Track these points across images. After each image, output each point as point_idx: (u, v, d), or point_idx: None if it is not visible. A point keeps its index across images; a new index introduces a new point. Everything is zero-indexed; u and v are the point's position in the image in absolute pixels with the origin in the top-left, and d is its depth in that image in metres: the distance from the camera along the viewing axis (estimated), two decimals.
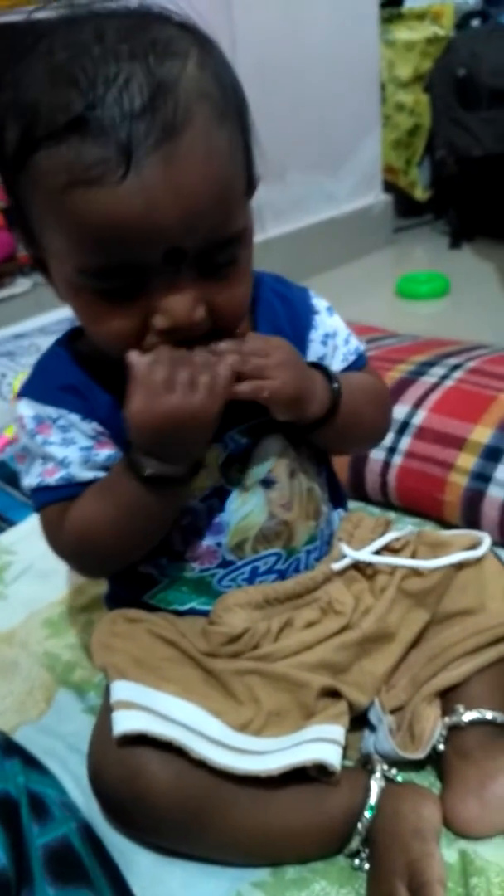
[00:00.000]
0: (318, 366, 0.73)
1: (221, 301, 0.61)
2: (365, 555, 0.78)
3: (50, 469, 0.69)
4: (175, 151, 0.53)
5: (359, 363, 0.79)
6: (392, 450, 1.11)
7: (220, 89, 0.57)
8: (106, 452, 0.69)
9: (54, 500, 0.69)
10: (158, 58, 0.54)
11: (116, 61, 0.53)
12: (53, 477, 0.68)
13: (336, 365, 0.77)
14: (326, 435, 0.73)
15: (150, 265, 0.56)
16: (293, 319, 0.75)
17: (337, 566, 0.77)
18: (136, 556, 0.72)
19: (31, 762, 0.71)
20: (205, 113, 0.55)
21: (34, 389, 0.70)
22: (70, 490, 0.69)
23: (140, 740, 0.63)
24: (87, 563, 0.75)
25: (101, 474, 0.69)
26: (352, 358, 0.78)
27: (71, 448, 0.68)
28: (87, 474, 0.69)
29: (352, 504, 1.15)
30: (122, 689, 0.67)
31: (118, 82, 0.52)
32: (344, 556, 0.78)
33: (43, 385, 0.70)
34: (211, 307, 0.60)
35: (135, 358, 0.60)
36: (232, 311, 0.62)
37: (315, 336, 0.76)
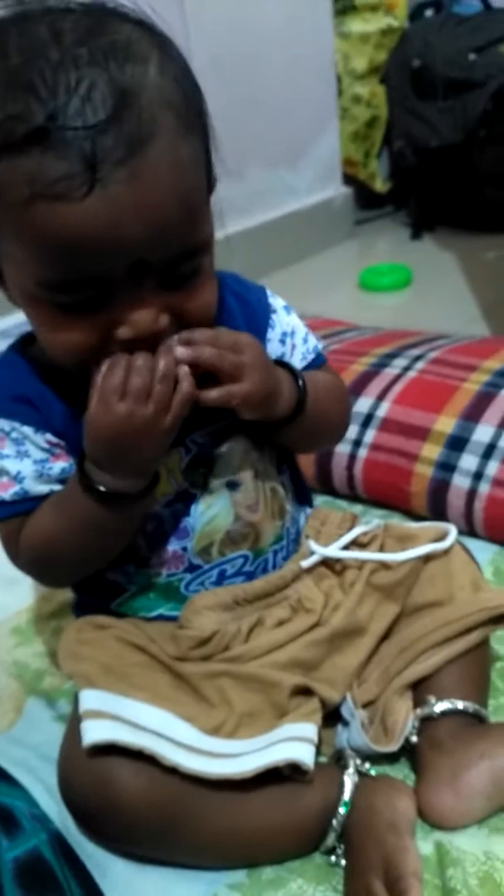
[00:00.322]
0: (283, 364, 0.72)
1: (187, 309, 0.60)
2: (333, 551, 0.78)
3: (4, 483, 0.67)
4: (141, 166, 0.51)
5: (317, 362, 0.78)
6: (357, 443, 1.11)
7: (183, 95, 0.55)
8: (60, 465, 0.67)
9: (10, 515, 0.68)
10: (119, 63, 0.51)
11: (76, 67, 0.50)
12: (8, 492, 0.67)
13: (295, 364, 0.76)
14: (292, 434, 0.72)
15: (114, 278, 0.55)
16: (250, 320, 0.73)
17: (305, 564, 0.77)
18: (95, 567, 0.71)
19: None
20: (170, 123, 0.53)
21: None
22: (25, 505, 0.67)
23: (110, 749, 0.63)
24: (46, 575, 0.74)
25: (56, 487, 0.68)
26: (310, 357, 0.78)
27: (25, 462, 0.67)
28: (42, 488, 0.67)
29: (319, 498, 1.15)
30: (90, 699, 0.66)
31: (80, 91, 0.50)
32: (312, 554, 0.78)
33: None
34: (178, 315, 0.59)
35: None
36: (198, 318, 0.61)
37: (273, 335, 0.75)
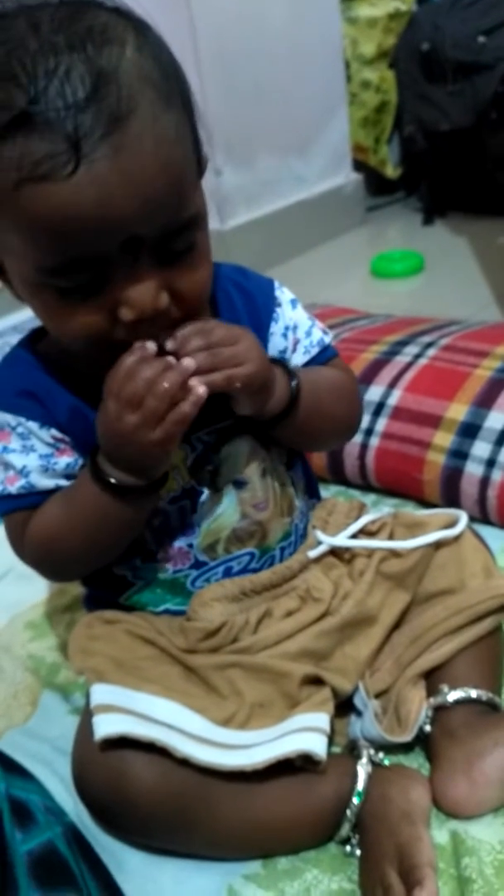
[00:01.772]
0: (277, 361, 0.71)
1: (183, 286, 0.59)
2: (340, 540, 0.77)
3: (10, 477, 0.67)
4: (123, 140, 0.51)
5: (324, 356, 0.77)
6: (369, 432, 1.10)
7: (162, 72, 0.55)
8: (65, 460, 0.67)
9: (16, 509, 0.68)
10: (96, 46, 0.52)
11: (55, 53, 0.51)
12: (14, 486, 0.67)
13: (298, 358, 0.75)
14: (287, 431, 0.71)
15: (109, 257, 0.55)
16: (253, 312, 0.73)
17: (313, 554, 0.77)
18: (100, 563, 0.71)
19: (12, 768, 0.71)
20: (149, 98, 0.53)
21: None
22: (32, 499, 0.68)
23: (123, 742, 0.63)
24: (51, 569, 0.74)
25: (62, 482, 0.68)
26: (314, 350, 0.76)
27: (31, 456, 0.67)
28: (48, 482, 0.68)
29: (332, 488, 1.15)
30: (101, 693, 0.66)
31: (59, 74, 0.50)
32: (319, 544, 0.77)
33: (2, 391, 0.68)
34: (173, 293, 0.59)
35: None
36: (194, 296, 0.61)
37: (276, 329, 0.74)
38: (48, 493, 0.68)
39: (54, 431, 0.67)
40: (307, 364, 0.75)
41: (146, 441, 0.60)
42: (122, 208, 0.53)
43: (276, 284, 0.76)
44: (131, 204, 0.53)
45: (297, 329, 0.75)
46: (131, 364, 0.59)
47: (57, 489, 0.68)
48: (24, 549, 0.70)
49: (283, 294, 0.76)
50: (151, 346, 0.59)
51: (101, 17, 0.54)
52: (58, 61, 0.51)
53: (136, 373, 0.59)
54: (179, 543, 0.72)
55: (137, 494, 0.64)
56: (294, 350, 0.75)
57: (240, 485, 0.72)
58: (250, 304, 0.73)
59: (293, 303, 0.76)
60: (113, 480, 0.63)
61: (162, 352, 0.60)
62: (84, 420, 0.64)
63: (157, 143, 0.53)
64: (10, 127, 0.51)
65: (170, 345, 0.60)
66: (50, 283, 0.57)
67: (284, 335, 0.74)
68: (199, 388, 0.60)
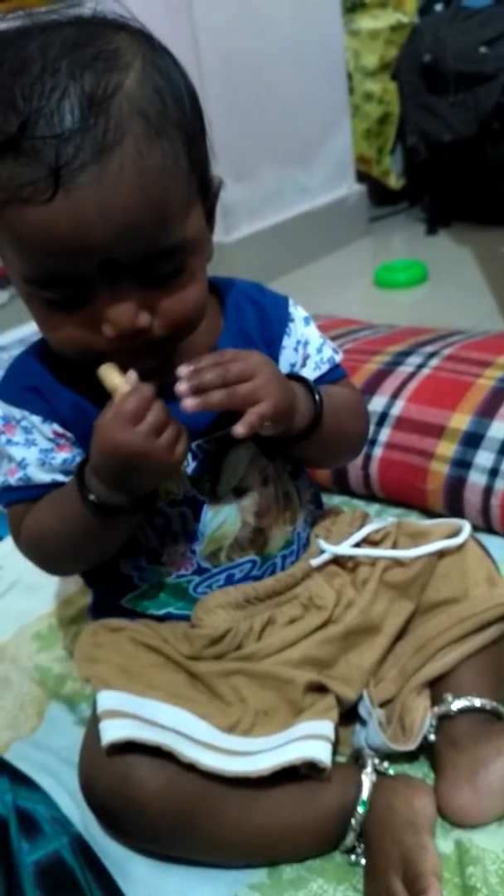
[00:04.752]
0: (298, 378, 0.72)
1: (168, 307, 0.61)
2: (343, 548, 0.78)
3: (12, 469, 0.69)
4: (104, 171, 0.54)
5: (334, 374, 0.78)
6: (372, 442, 1.10)
7: (160, 103, 0.56)
8: (63, 456, 0.69)
9: (15, 500, 0.71)
10: (96, 73, 0.54)
11: (53, 79, 0.53)
12: (14, 477, 0.69)
13: (307, 373, 0.76)
14: (308, 449, 0.72)
15: (87, 276, 0.57)
16: (265, 326, 0.74)
17: (315, 562, 0.77)
18: (90, 564, 0.74)
19: (19, 779, 0.71)
20: (138, 131, 0.55)
21: (3, 390, 0.71)
22: (29, 492, 0.70)
23: (129, 747, 0.63)
24: (43, 563, 0.75)
25: (58, 476, 0.69)
26: (324, 367, 0.77)
27: (31, 449, 0.69)
28: (45, 476, 0.69)
29: (336, 498, 1.16)
30: (107, 699, 0.67)
31: (51, 102, 0.53)
32: (322, 552, 0.78)
33: (10, 386, 0.71)
34: (158, 314, 0.61)
35: (118, 380, 0.61)
36: (181, 319, 0.62)
37: (288, 343, 0.75)
38: (45, 487, 0.69)
39: (56, 426, 0.69)
40: (317, 381, 0.76)
41: (164, 465, 0.62)
42: (96, 234, 0.55)
43: (291, 302, 0.78)
44: (106, 231, 0.55)
45: (308, 345, 0.77)
46: (147, 394, 0.61)
47: (53, 484, 0.69)
48: (20, 541, 0.72)
49: (297, 311, 0.78)
50: (146, 389, 0.61)
51: (114, 41, 0.56)
52: (53, 87, 0.53)
53: (155, 402, 0.61)
54: (182, 549, 0.73)
55: (120, 513, 0.65)
56: (304, 365, 0.76)
57: (240, 493, 0.73)
58: (263, 318, 0.74)
59: (306, 320, 0.78)
60: (92, 498, 0.64)
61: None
62: (86, 416, 0.66)
63: (139, 175, 0.55)
64: (2, 150, 0.54)
65: (183, 386, 0.61)
66: (36, 293, 0.60)
67: (296, 349, 0.76)
68: (186, 401, 0.62)
